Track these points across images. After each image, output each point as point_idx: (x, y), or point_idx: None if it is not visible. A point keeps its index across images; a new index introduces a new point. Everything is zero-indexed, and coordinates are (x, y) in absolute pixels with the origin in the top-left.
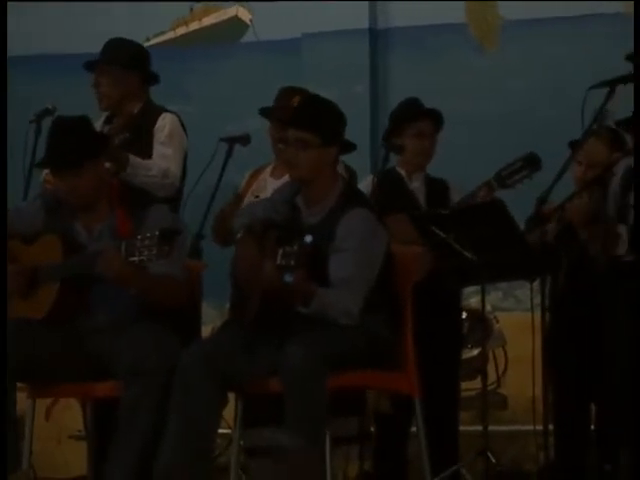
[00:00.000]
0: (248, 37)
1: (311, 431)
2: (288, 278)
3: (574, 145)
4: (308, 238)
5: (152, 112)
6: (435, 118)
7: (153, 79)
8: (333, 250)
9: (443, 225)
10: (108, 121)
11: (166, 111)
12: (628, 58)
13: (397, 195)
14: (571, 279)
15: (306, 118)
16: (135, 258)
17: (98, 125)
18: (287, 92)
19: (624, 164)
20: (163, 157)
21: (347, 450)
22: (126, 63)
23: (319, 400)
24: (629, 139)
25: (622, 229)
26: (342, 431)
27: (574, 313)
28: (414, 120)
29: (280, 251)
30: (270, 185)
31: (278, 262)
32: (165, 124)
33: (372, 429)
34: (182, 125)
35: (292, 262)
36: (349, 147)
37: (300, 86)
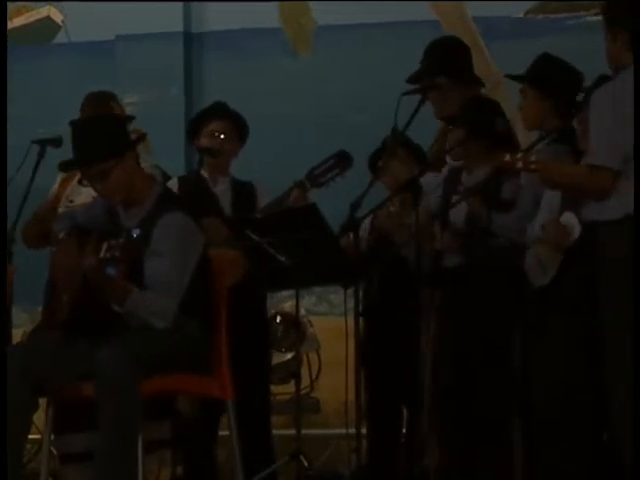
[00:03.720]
0: (60, 38)
1: (123, 435)
2: (111, 271)
3: (374, 161)
4: (135, 231)
5: None
6: (230, 118)
7: None
8: (149, 253)
9: (257, 229)
10: None
11: None
12: (409, 80)
13: (199, 198)
14: (384, 284)
15: (94, 153)
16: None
17: None
18: (90, 101)
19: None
20: None
21: (161, 454)
22: None
23: (131, 404)
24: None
25: (437, 229)
26: (155, 435)
27: (387, 318)
28: (207, 121)
29: (105, 245)
30: (85, 190)
31: (102, 255)
32: None
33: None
34: None
35: (117, 254)
36: (139, 140)
37: (114, 88)
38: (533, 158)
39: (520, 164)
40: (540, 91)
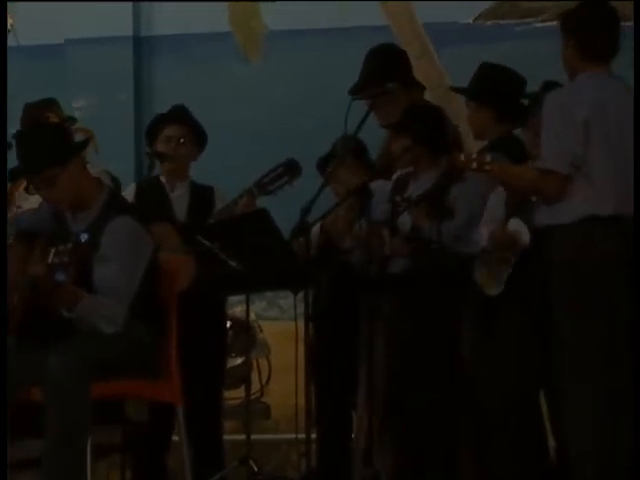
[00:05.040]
0: (9, 42)
1: (71, 440)
2: (60, 277)
3: (322, 165)
4: (83, 236)
5: None
6: (188, 123)
7: None
8: (98, 258)
9: (209, 234)
10: None
11: None
12: (353, 90)
13: (157, 203)
14: (334, 289)
15: (37, 162)
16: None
17: None
18: (27, 112)
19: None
20: None
21: (110, 459)
22: None
23: (80, 408)
24: (404, 140)
25: (385, 232)
26: (105, 440)
27: (336, 323)
28: (163, 126)
29: (53, 250)
30: (33, 197)
31: (50, 261)
32: None
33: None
34: None
35: (65, 259)
36: (83, 146)
37: (64, 92)
38: (488, 159)
39: (474, 164)
40: (479, 101)
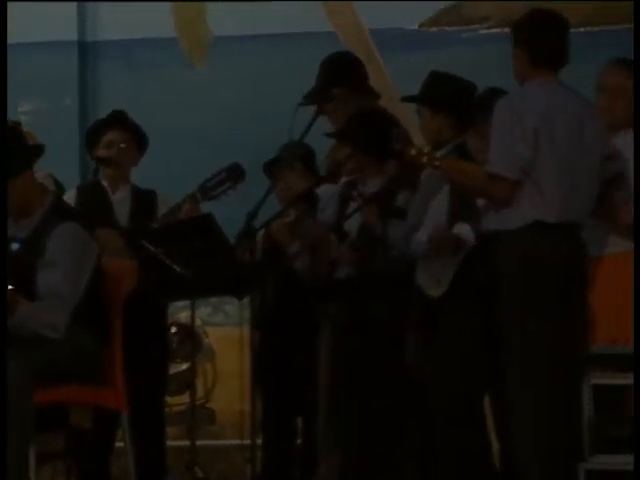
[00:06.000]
0: None
1: (15, 448)
2: None
3: (269, 169)
4: (14, 246)
5: None
6: (129, 127)
7: None
8: (42, 264)
9: (153, 239)
10: None
11: None
12: (307, 97)
13: (98, 208)
14: (279, 295)
15: None
16: None
17: None
18: None
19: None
20: None
21: (54, 466)
22: None
23: (23, 416)
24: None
25: (331, 237)
26: (48, 446)
27: (281, 329)
28: (104, 131)
29: None
30: None
31: None
32: None
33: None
34: None
35: None
36: (38, 152)
37: (9, 96)
38: (438, 155)
39: (425, 158)
40: (433, 109)
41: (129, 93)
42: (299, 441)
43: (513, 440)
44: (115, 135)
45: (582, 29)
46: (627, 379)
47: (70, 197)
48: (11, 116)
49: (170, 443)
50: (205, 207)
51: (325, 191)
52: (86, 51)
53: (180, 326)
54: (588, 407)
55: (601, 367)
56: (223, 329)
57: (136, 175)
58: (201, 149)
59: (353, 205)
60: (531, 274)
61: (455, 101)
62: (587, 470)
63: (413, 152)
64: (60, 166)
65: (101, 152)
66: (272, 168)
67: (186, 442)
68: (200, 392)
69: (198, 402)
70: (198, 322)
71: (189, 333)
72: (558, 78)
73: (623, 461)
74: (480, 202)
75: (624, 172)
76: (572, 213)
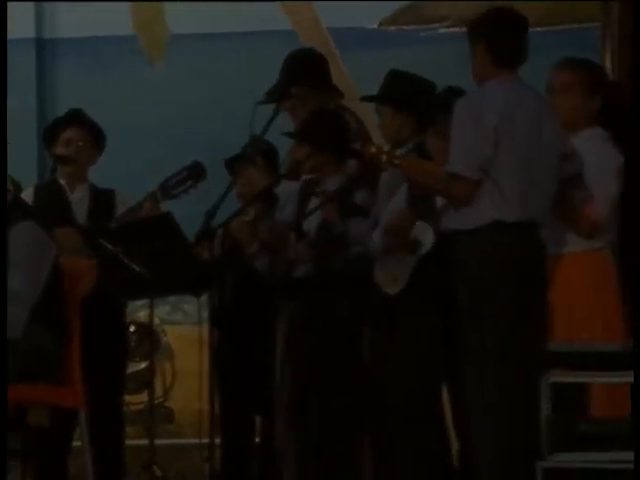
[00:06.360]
0: None
1: None
2: None
3: (231, 165)
4: None
5: None
6: (86, 126)
7: None
8: None
9: (112, 238)
10: None
11: None
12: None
13: (56, 206)
14: (238, 293)
15: None
16: None
17: None
18: None
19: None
20: None
21: (10, 465)
22: None
23: None
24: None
25: (291, 236)
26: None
27: (240, 327)
28: (61, 129)
29: None
30: None
31: None
32: None
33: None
34: None
35: None
36: None
37: None
38: (398, 153)
39: (384, 157)
40: (393, 108)
41: (88, 91)
42: (258, 440)
43: (472, 440)
44: (73, 133)
45: (538, 28)
46: (585, 377)
47: (27, 196)
48: None
49: (129, 442)
50: (164, 206)
51: (284, 189)
52: (44, 48)
53: (139, 325)
54: (546, 406)
55: (560, 365)
56: (182, 328)
57: (95, 174)
58: (160, 147)
59: (313, 203)
60: (490, 274)
61: (415, 100)
62: (544, 469)
63: (373, 150)
64: (17, 165)
65: (59, 150)
66: (234, 164)
67: (145, 441)
68: (159, 391)
69: (156, 401)
70: (157, 321)
71: (148, 332)
72: (517, 76)
73: (581, 459)
74: (440, 201)
75: (581, 172)
76: (531, 211)
